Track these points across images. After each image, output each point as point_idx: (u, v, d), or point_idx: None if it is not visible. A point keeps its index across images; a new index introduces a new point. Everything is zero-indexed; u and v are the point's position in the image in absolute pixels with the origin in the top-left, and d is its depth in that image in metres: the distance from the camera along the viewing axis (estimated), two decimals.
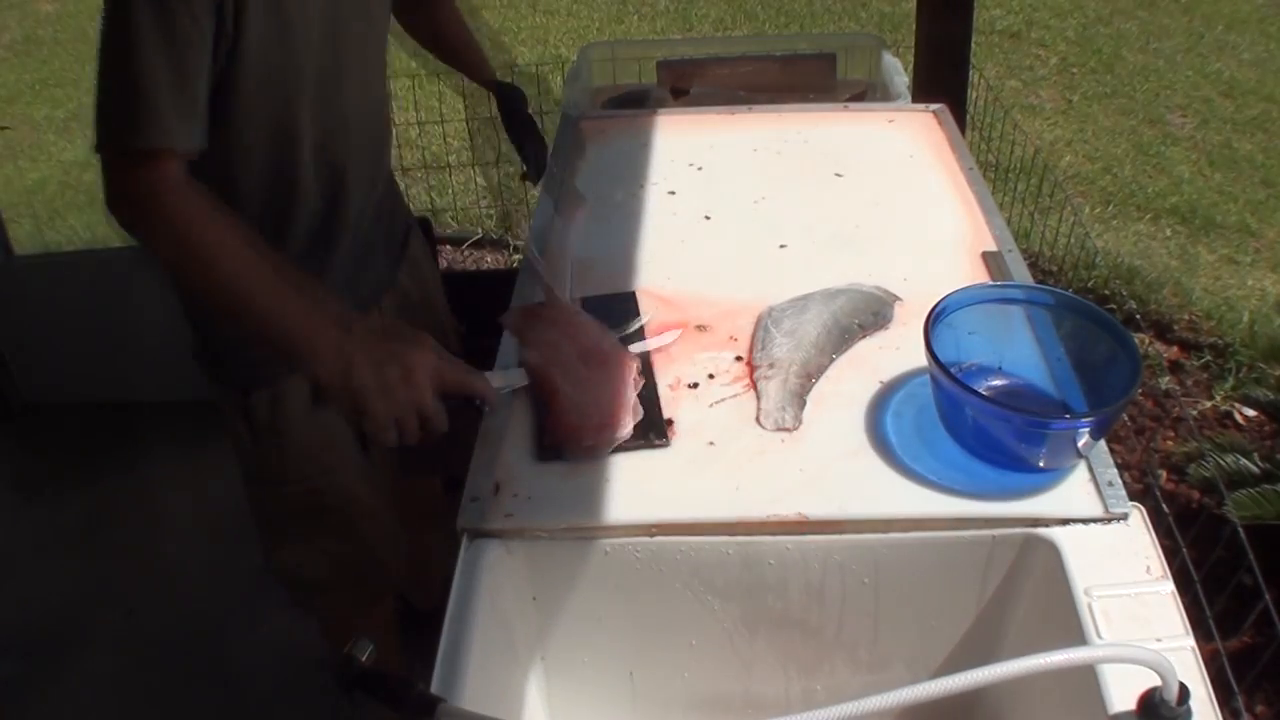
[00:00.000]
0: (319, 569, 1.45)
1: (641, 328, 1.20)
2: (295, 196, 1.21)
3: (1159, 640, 0.84)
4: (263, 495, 1.41)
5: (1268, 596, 1.42)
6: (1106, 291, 2.74)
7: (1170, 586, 0.89)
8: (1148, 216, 3.32)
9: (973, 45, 2.25)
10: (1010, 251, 1.31)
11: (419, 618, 1.72)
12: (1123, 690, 0.80)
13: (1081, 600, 0.88)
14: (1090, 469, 0.99)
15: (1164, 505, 1.52)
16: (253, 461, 1.36)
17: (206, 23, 1.00)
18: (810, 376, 1.10)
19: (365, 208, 1.33)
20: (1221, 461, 2.05)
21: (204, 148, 1.04)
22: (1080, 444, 0.95)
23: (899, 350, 1.15)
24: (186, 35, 0.99)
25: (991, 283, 1.23)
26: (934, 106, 1.70)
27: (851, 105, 1.84)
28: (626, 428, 1.04)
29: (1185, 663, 0.83)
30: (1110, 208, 3.38)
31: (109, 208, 1.02)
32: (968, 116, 2.41)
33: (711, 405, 1.09)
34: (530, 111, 1.66)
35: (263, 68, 1.09)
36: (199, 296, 1.11)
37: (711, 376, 1.13)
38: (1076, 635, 0.86)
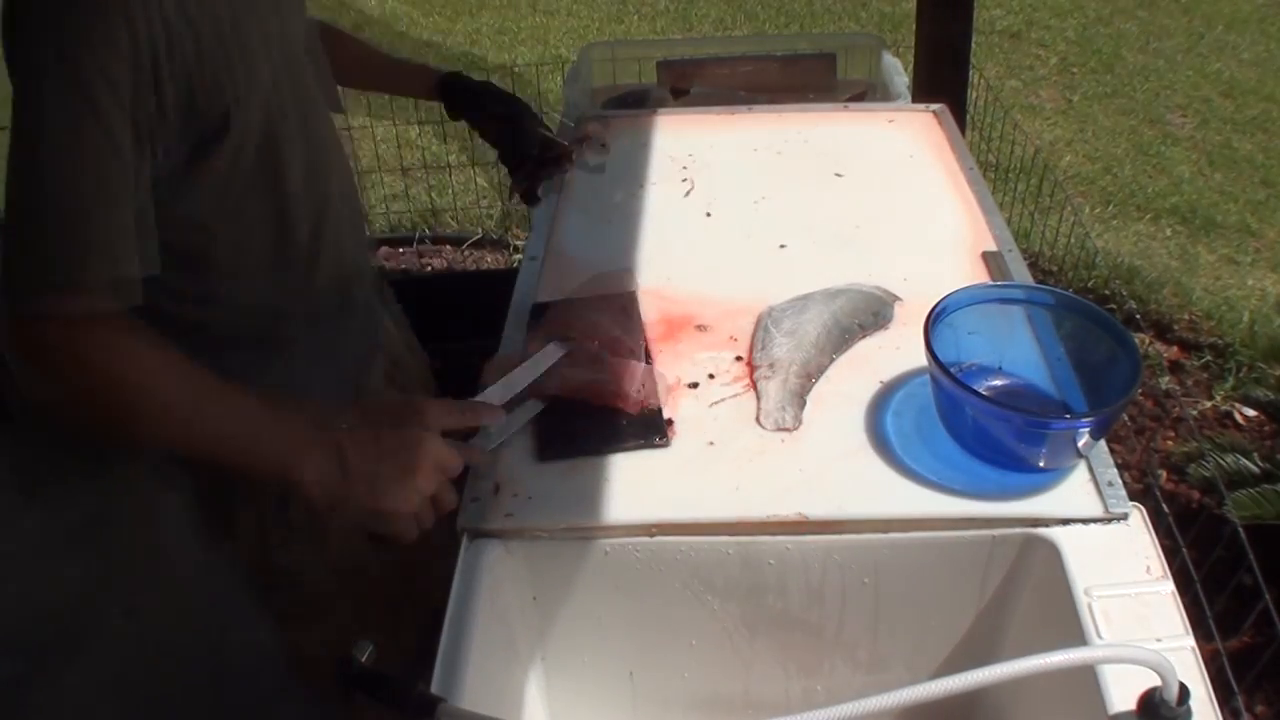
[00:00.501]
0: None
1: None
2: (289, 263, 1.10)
3: (1159, 640, 0.84)
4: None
5: (1268, 596, 1.42)
6: (1106, 291, 2.74)
7: (1170, 586, 0.89)
8: (1148, 216, 3.32)
9: (973, 45, 2.25)
10: (1010, 251, 1.31)
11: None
12: (1123, 690, 0.80)
13: (1081, 600, 0.88)
14: (1090, 469, 0.99)
15: (1164, 505, 1.52)
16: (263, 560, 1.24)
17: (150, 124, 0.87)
18: (810, 376, 1.10)
19: (351, 272, 1.21)
20: (1221, 461, 2.05)
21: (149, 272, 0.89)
22: (1080, 444, 0.95)
23: (899, 350, 1.15)
24: (114, 138, 0.84)
25: (991, 283, 1.23)
26: (934, 106, 1.70)
27: (851, 105, 1.84)
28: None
29: (1185, 663, 0.83)
30: (1110, 208, 3.38)
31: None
32: (968, 116, 2.42)
33: (711, 405, 1.09)
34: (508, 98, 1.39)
35: (250, 155, 0.99)
36: (142, 441, 1.01)
37: (711, 376, 1.13)
38: (1076, 635, 0.86)
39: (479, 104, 1.41)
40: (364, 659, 0.83)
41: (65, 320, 0.85)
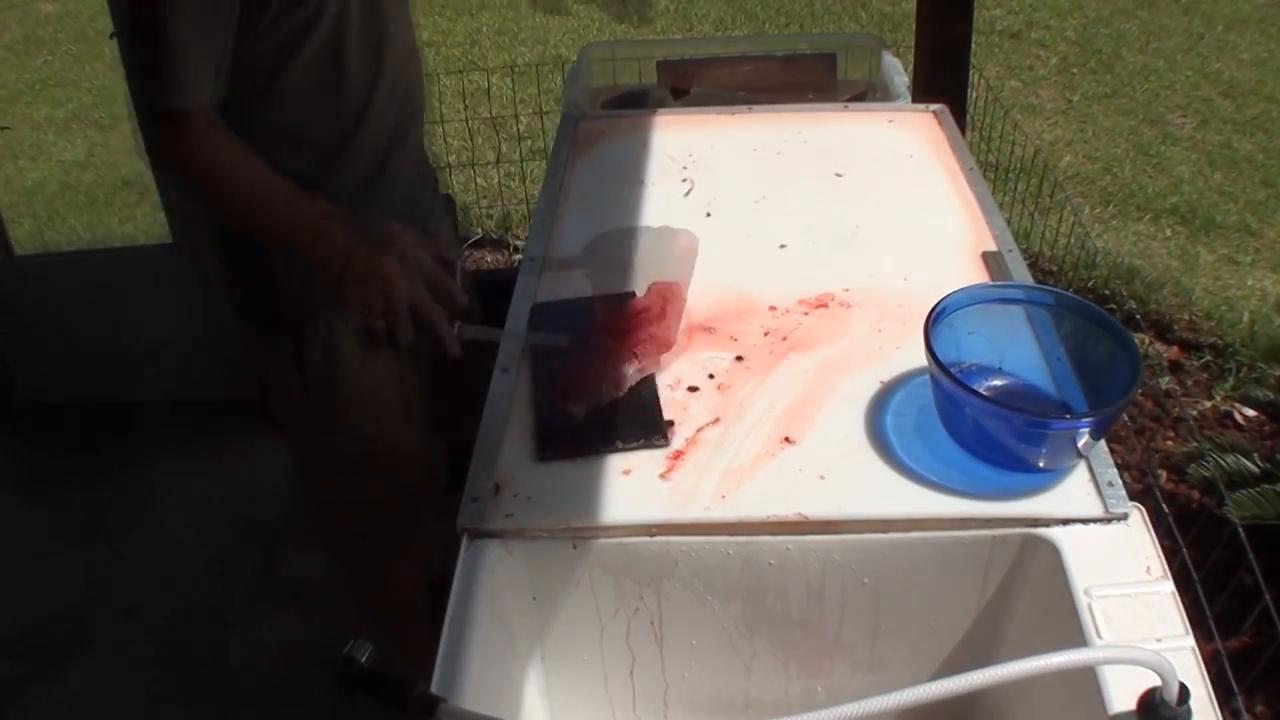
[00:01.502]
0: (357, 517, 1.55)
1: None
2: (356, 137, 1.33)
3: (1159, 640, 0.84)
4: (312, 444, 1.49)
5: (1268, 596, 1.42)
6: (1106, 291, 2.74)
7: (1170, 586, 0.89)
8: (1148, 216, 3.32)
9: (973, 45, 2.25)
10: (1010, 251, 1.31)
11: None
12: (1123, 690, 0.80)
13: (1081, 600, 0.88)
14: (1090, 469, 0.99)
15: (1164, 505, 1.52)
16: (304, 410, 1.43)
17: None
18: None
19: (401, 163, 1.41)
20: (1221, 461, 2.05)
21: (223, 94, 1.20)
22: (1080, 444, 0.95)
23: (899, 350, 1.15)
24: (211, 8, 1.13)
25: (991, 283, 1.23)
26: (934, 107, 1.70)
27: (851, 105, 1.84)
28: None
29: (1185, 663, 0.83)
30: (1110, 208, 3.38)
31: (149, 155, 1.30)
32: (968, 116, 2.41)
33: (712, 405, 1.09)
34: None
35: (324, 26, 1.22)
36: (222, 217, 1.34)
37: (711, 376, 1.13)
38: (1076, 635, 0.86)
39: None
40: (364, 659, 0.83)
41: (174, 125, 1.17)
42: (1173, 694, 0.74)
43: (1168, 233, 3.23)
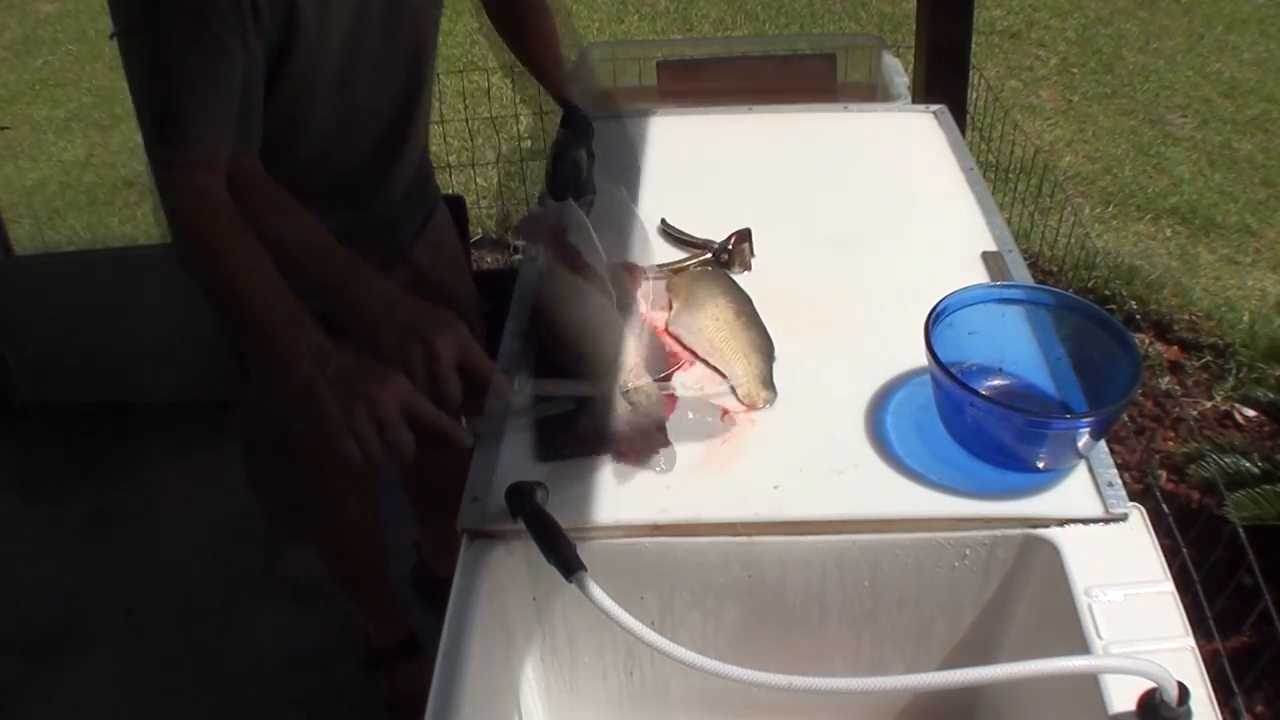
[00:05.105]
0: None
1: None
2: (302, 168, 1.26)
3: (1159, 640, 0.84)
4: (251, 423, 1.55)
5: (1268, 596, 1.42)
6: (1106, 291, 2.74)
7: (1170, 586, 0.89)
8: (1148, 216, 3.32)
9: (973, 45, 2.25)
10: (1010, 251, 1.31)
11: (438, 584, 1.76)
12: (1122, 691, 0.80)
13: (1081, 600, 0.88)
14: (1090, 469, 0.99)
15: (1164, 505, 1.52)
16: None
17: (252, 40, 1.06)
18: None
19: (379, 185, 1.39)
20: (1221, 462, 2.05)
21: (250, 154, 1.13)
22: (1080, 444, 0.95)
23: (899, 350, 1.15)
24: (224, 52, 1.04)
25: (991, 283, 1.23)
26: (934, 107, 1.70)
27: (851, 106, 1.84)
28: None
29: (1185, 663, 0.83)
30: (1110, 208, 3.38)
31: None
32: (968, 117, 2.42)
33: (713, 404, 1.09)
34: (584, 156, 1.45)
35: (292, 72, 1.16)
36: (207, 287, 1.19)
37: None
38: (1076, 636, 0.86)
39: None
40: (538, 499, 0.92)
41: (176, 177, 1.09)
42: (1172, 694, 0.74)
43: (1168, 233, 3.23)
